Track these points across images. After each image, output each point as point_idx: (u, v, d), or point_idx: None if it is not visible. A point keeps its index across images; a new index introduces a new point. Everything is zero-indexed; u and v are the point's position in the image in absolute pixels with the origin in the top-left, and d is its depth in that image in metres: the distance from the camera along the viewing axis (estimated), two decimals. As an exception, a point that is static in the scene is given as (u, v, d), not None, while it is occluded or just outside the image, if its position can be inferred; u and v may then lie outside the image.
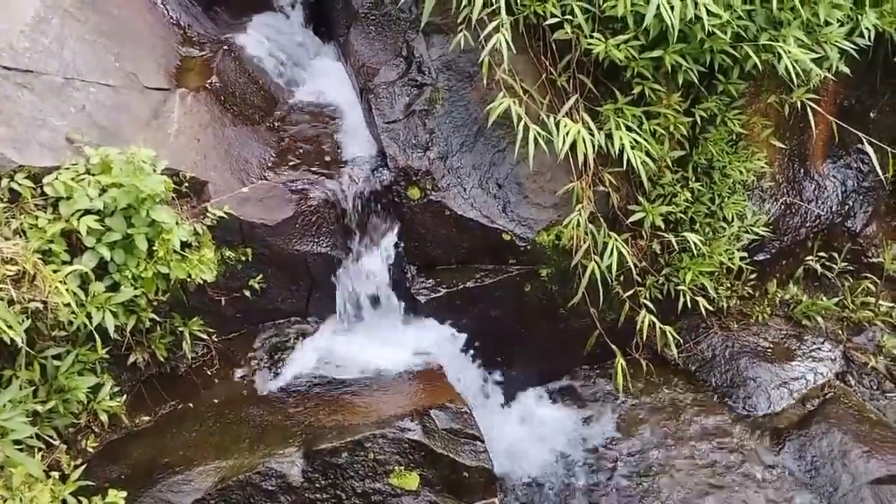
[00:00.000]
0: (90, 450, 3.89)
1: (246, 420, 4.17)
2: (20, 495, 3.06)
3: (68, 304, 3.45)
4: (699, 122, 4.79)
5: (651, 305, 4.93)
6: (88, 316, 3.58)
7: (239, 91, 4.79)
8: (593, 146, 4.37)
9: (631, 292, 4.90)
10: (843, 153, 5.75)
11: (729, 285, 5.48)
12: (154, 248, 3.77)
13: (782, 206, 5.53)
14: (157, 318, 4.05)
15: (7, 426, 3.14)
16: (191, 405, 4.26)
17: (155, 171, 3.80)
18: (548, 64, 4.60)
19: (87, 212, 3.61)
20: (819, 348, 5.55)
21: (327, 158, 4.76)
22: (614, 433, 5.13)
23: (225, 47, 4.86)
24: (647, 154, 4.53)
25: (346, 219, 4.61)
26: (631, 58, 4.39)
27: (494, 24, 4.24)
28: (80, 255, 3.64)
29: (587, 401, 5.32)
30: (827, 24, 4.60)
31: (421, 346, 4.75)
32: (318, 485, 3.93)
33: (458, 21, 4.44)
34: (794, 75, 4.45)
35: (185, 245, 3.92)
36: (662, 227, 4.90)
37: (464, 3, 4.33)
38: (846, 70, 4.82)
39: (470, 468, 4.12)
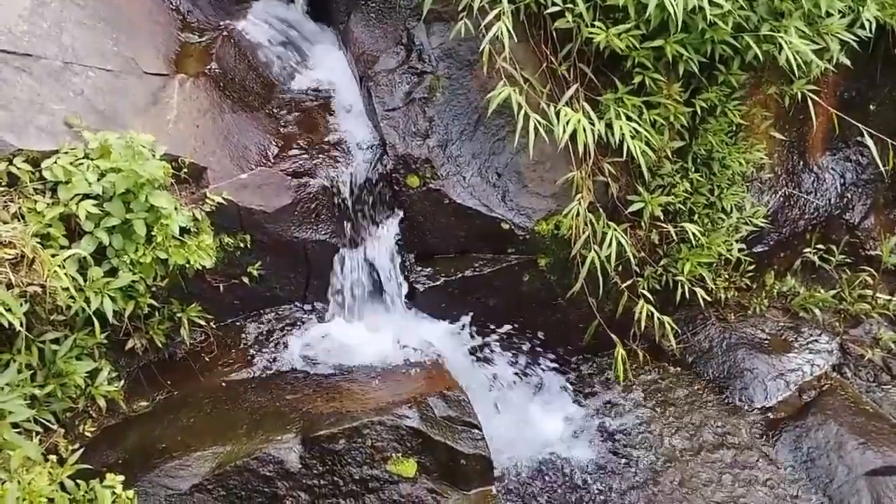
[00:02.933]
0: (88, 434, 3.90)
1: (244, 406, 4.17)
2: (18, 477, 3.06)
3: (67, 289, 3.45)
4: (699, 112, 4.77)
5: (649, 296, 4.93)
6: (87, 300, 3.59)
7: (238, 77, 4.78)
8: (593, 135, 4.36)
9: (629, 283, 4.90)
10: (843, 145, 5.75)
11: (727, 276, 5.48)
12: (153, 233, 3.78)
13: (781, 198, 5.53)
14: (156, 304, 4.06)
15: (5, 409, 3.14)
16: (188, 391, 4.27)
17: (154, 156, 3.80)
18: (548, 53, 4.58)
19: (86, 196, 3.62)
20: (816, 340, 5.55)
21: (326, 146, 4.76)
22: (611, 423, 5.13)
23: (225, 33, 4.85)
24: (647, 144, 4.52)
25: (345, 206, 4.60)
26: (632, 47, 4.37)
27: (496, 12, 4.22)
28: (79, 239, 3.64)
29: (584, 391, 5.32)
30: (828, 15, 4.59)
31: (419, 335, 4.76)
32: (315, 471, 3.94)
33: (459, 9, 4.43)
34: (794, 66, 4.44)
35: (183, 231, 3.93)
36: (661, 217, 4.89)
37: (464, -9, 4.33)
38: (847, 62, 4.81)
39: (467, 455, 4.14)
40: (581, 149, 4.38)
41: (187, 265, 3.95)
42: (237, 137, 4.52)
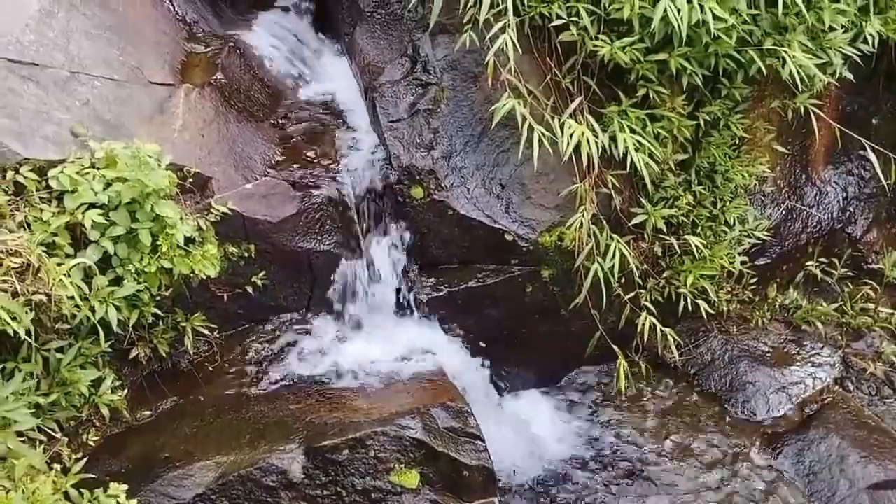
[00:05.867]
0: (91, 443, 3.88)
1: (247, 416, 4.16)
2: (23, 486, 3.06)
3: (72, 298, 3.45)
4: (702, 125, 4.81)
5: (652, 308, 4.93)
6: (92, 309, 3.58)
7: (244, 88, 4.80)
8: (597, 148, 4.38)
9: (632, 294, 4.91)
10: (845, 159, 5.77)
11: (729, 289, 5.49)
12: (158, 242, 3.77)
13: (784, 211, 5.54)
14: (160, 313, 4.04)
15: (10, 417, 3.14)
16: (192, 400, 4.26)
17: (160, 165, 3.79)
18: (553, 65, 4.61)
19: (92, 205, 3.62)
20: (818, 353, 5.55)
21: (331, 156, 4.77)
22: (612, 435, 5.13)
23: (230, 44, 4.87)
24: (651, 156, 4.54)
25: (350, 217, 4.61)
26: (636, 60, 4.40)
27: (501, 24, 4.24)
28: (84, 248, 3.64)
29: (586, 402, 5.33)
30: (831, 29, 4.61)
31: (422, 345, 4.75)
32: (318, 481, 3.93)
33: (464, 21, 4.45)
34: (797, 80, 4.47)
35: (188, 240, 3.93)
36: (664, 229, 4.91)
37: (470, 4, 4.34)
38: (849, 76, 4.84)
39: (470, 467, 4.12)
40: (585, 161, 4.41)
41: (192, 274, 3.95)
42: (242, 147, 4.54)
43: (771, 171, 5.31)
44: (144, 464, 3.85)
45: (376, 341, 4.75)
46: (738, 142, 5.06)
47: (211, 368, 4.41)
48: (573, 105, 4.51)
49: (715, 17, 4.15)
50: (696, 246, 4.89)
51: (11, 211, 3.49)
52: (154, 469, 3.82)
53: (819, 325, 5.64)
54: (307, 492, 3.90)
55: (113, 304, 3.65)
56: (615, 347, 4.93)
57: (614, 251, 4.58)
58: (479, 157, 4.74)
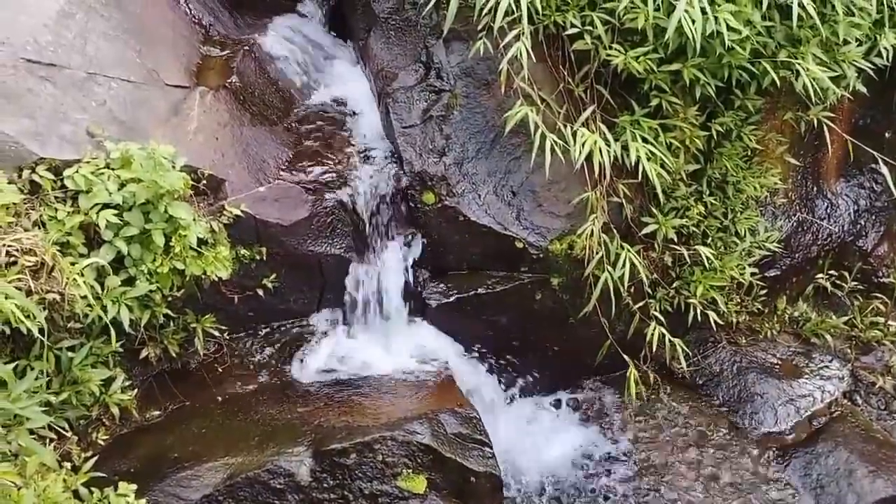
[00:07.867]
0: (101, 442, 3.91)
1: (255, 418, 4.19)
2: (34, 483, 3.08)
3: (84, 297, 3.47)
4: (715, 136, 4.79)
5: (661, 318, 4.92)
6: (104, 309, 3.61)
7: (258, 91, 4.82)
8: (609, 157, 4.38)
9: (642, 304, 4.90)
10: (857, 172, 5.75)
11: (739, 300, 5.47)
12: (171, 243, 3.80)
13: (794, 223, 5.53)
14: (171, 314, 4.06)
15: (23, 414, 3.16)
16: (201, 401, 4.28)
17: (174, 167, 3.82)
18: (566, 74, 4.61)
19: (106, 206, 3.64)
20: (827, 366, 5.54)
21: (343, 161, 4.78)
22: (619, 444, 5.13)
23: (245, 47, 4.89)
24: (662, 166, 4.53)
25: (361, 221, 4.63)
26: (649, 70, 4.39)
27: (515, 32, 4.25)
28: (98, 248, 3.67)
29: (594, 411, 5.32)
30: (846, 42, 4.60)
31: (431, 351, 4.78)
32: (325, 485, 3.94)
33: (478, 28, 4.45)
34: (811, 93, 4.46)
35: (201, 242, 3.95)
36: (675, 239, 4.90)
37: (484, 11, 4.35)
38: (863, 89, 4.83)
39: (477, 473, 4.13)
40: (596, 169, 4.40)
41: (203, 276, 3.98)
42: (255, 150, 4.56)
43: (782, 183, 5.29)
44: (153, 464, 3.88)
45: (385, 346, 4.77)
46: (750, 153, 5.05)
47: (220, 370, 4.44)
48: (586, 114, 4.51)
49: (729, 28, 4.14)
50: (707, 256, 4.87)
51: (27, 210, 3.52)
52: (162, 469, 3.85)
53: (828, 337, 5.62)
54: (314, 495, 3.92)
55: (125, 304, 3.68)
56: (625, 357, 4.92)
57: (624, 260, 4.57)
58: (491, 164, 4.75)
